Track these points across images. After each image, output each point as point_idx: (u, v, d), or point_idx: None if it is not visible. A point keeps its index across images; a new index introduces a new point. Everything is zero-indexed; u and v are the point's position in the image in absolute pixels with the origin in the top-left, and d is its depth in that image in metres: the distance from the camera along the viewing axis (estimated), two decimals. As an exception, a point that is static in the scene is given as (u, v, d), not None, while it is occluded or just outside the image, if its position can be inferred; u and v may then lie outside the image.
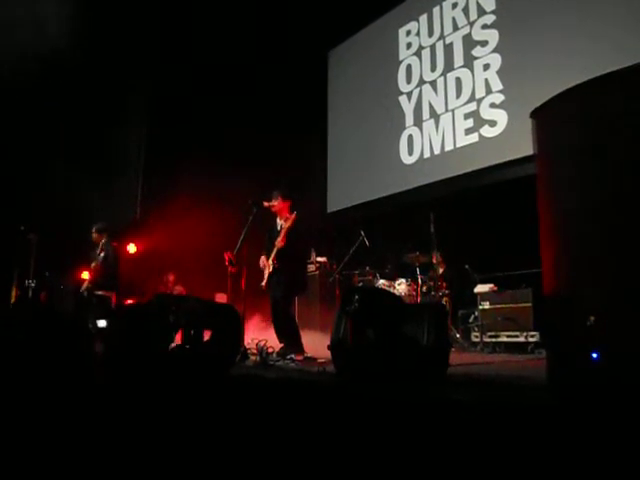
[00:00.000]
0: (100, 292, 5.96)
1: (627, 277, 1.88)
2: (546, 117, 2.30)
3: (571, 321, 2.04)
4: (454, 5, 7.50)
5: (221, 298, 7.58)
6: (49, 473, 1.65)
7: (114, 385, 2.75)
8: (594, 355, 1.89)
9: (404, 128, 8.03)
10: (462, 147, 7.12)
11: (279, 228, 4.92)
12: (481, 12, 7.09)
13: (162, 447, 1.85)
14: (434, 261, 6.21)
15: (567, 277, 2.11)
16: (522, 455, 1.55)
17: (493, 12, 6.94)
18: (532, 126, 2.36)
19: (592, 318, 1.90)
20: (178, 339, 3.02)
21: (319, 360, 4.07)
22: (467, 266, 6.32)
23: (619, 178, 1.97)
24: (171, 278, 8.42)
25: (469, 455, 1.61)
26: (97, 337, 3.81)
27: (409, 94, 8.07)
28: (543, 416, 1.72)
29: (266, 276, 4.80)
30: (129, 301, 6.79)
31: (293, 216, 4.79)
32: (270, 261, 4.76)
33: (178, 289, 8.27)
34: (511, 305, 5.69)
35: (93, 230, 6.21)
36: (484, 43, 7.00)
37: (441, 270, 6.28)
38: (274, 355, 4.26)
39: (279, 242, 4.69)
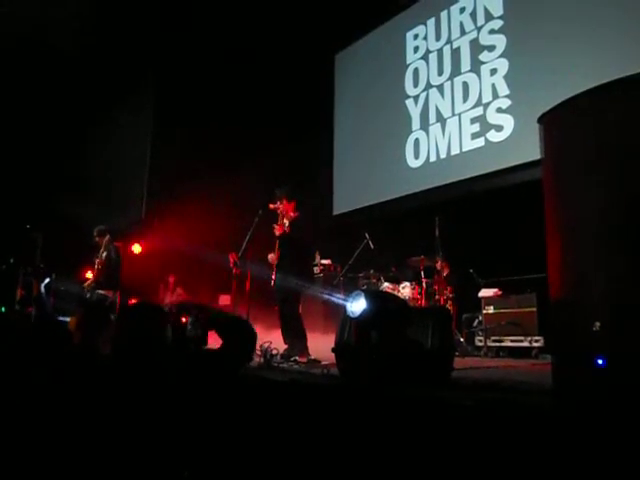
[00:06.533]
0: (102, 291, 6.00)
1: (634, 283, 1.88)
2: (553, 122, 2.30)
3: (576, 326, 2.04)
4: (462, 10, 7.50)
5: (224, 299, 7.61)
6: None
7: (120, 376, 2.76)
8: (599, 361, 1.89)
9: (410, 132, 8.04)
10: (468, 151, 7.12)
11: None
12: (489, 17, 7.09)
13: (161, 443, 1.85)
14: (438, 265, 6.21)
15: (573, 282, 2.11)
16: (526, 459, 1.54)
17: (500, 17, 6.94)
18: (539, 131, 2.36)
19: (598, 324, 1.89)
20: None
21: (323, 362, 4.06)
22: (471, 270, 6.31)
23: (626, 183, 1.97)
24: (172, 280, 8.44)
25: (473, 459, 1.61)
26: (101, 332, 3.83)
27: (416, 98, 8.07)
28: (548, 421, 1.72)
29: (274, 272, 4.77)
30: (132, 301, 6.82)
31: (297, 213, 4.79)
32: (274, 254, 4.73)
33: (179, 291, 8.30)
34: (515, 310, 5.68)
35: (94, 233, 6.27)
36: (491, 48, 6.99)
37: (445, 274, 6.28)
38: (278, 357, 4.26)
39: (286, 229, 4.67)
